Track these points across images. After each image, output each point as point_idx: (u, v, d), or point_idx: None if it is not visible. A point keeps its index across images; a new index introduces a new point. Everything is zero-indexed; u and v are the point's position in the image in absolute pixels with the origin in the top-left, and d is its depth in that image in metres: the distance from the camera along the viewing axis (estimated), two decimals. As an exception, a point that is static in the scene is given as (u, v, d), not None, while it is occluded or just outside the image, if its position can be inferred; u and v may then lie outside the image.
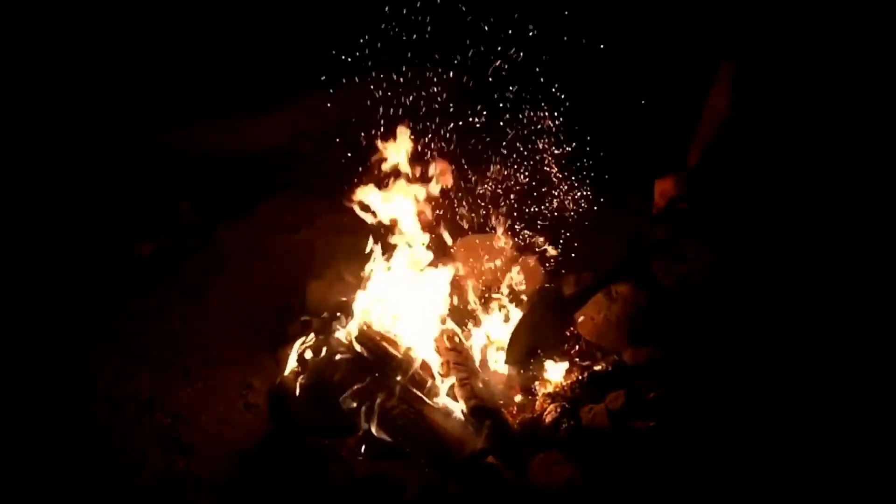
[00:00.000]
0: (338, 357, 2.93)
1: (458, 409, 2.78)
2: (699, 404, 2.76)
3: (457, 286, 3.64)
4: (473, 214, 4.00)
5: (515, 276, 3.55)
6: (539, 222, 4.04)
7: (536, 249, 3.76)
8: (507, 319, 3.39)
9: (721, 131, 2.80)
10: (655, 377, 2.92)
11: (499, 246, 3.73)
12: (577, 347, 3.30)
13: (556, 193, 4.17)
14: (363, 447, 2.69)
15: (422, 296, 3.25)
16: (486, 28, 4.51)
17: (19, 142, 4.84)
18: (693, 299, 3.34)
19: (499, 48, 4.45)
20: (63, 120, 5.16)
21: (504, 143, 4.35)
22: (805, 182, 3.24)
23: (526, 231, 3.92)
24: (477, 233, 3.92)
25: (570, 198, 4.15)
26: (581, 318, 3.35)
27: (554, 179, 4.24)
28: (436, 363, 2.98)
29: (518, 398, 3.01)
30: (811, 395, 2.77)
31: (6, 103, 5.05)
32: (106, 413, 2.87)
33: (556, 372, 3.12)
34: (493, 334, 3.35)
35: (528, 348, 3.07)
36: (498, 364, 3.17)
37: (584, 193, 4.18)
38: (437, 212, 3.58)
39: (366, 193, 3.32)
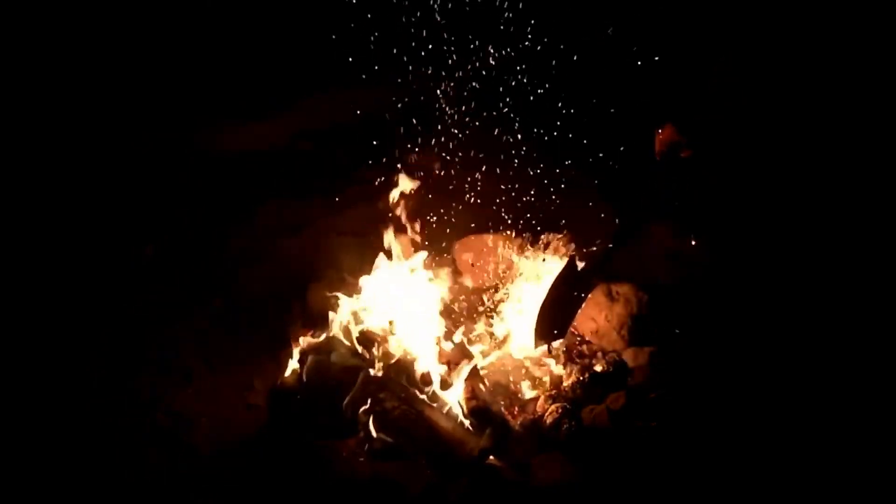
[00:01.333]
0: (339, 358, 2.93)
1: (459, 409, 2.78)
2: (700, 404, 2.76)
3: (458, 286, 3.65)
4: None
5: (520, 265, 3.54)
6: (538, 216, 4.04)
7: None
8: (505, 315, 3.40)
9: (728, 83, 2.79)
10: (656, 377, 2.92)
11: (499, 245, 3.73)
12: (578, 348, 3.31)
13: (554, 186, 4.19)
14: (364, 448, 2.69)
15: (422, 297, 3.25)
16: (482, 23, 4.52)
17: (22, 143, 4.84)
18: (694, 299, 3.34)
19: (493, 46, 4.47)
20: (65, 122, 5.16)
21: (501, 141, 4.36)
22: (804, 172, 3.25)
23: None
24: (478, 233, 3.92)
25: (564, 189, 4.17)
26: (582, 318, 3.35)
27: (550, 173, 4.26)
28: (437, 364, 2.98)
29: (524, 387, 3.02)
30: (811, 394, 2.77)
31: (9, 104, 5.05)
32: (107, 415, 2.87)
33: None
34: (495, 332, 3.36)
35: (554, 328, 3.06)
36: (508, 357, 3.19)
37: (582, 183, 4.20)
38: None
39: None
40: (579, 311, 3.16)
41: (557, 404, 2.85)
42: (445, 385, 2.86)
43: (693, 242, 3.55)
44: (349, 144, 5.15)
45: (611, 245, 2.99)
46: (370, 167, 4.73)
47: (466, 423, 2.73)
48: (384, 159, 4.05)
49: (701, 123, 2.79)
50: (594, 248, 3.36)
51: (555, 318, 3.02)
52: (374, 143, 4.47)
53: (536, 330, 3.01)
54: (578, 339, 3.36)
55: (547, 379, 3.10)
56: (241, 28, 6.23)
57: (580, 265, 3.04)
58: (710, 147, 2.83)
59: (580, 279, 3.03)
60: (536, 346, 3.08)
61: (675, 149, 2.76)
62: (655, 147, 2.81)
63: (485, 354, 3.22)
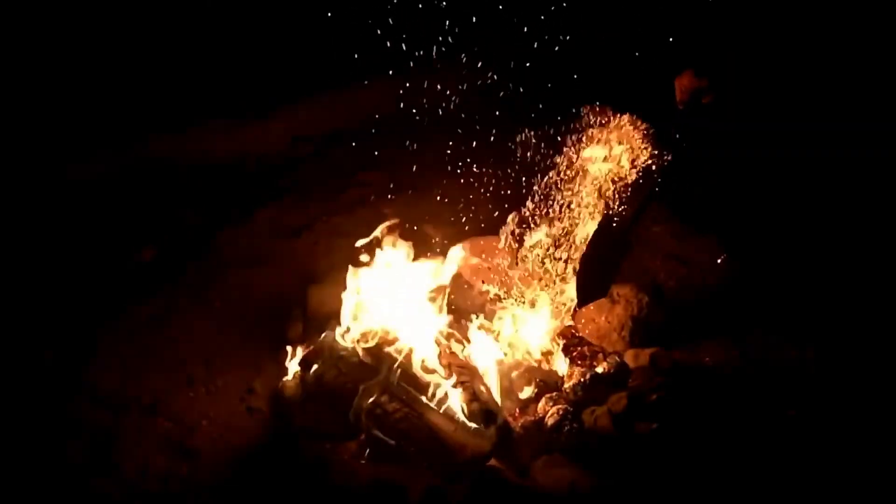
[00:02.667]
0: (339, 361, 2.93)
1: (460, 411, 2.78)
2: (701, 406, 2.76)
3: (460, 288, 3.64)
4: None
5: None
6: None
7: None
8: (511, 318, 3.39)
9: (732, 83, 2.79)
10: (658, 379, 2.92)
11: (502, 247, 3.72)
12: (579, 349, 3.30)
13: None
14: (366, 451, 2.69)
15: (423, 298, 3.25)
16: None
17: (21, 147, 4.84)
18: (695, 300, 3.33)
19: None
20: (64, 125, 5.17)
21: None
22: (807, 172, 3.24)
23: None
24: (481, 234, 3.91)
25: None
26: (583, 319, 3.35)
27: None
28: (438, 366, 2.97)
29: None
30: (813, 396, 2.77)
31: (7, 108, 5.05)
32: (108, 418, 2.87)
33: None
34: (498, 332, 3.35)
35: (596, 286, 3.05)
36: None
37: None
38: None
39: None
40: (615, 269, 3.16)
41: (558, 406, 2.85)
42: (447, 387, 2.86)
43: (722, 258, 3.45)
44: (349, 146, 5.16)
45: (643, 199, 2.96)
46: (370, 169, 4.75)
47: (468, 425, 2.73)
48: (384, 160, 4.06)
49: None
50: (627, 204, 3.29)
51: (596, 276, 3.01)
52: (375, 144, 4.48)
53: (578, 290, 3.00)
54: (579, 340, 3.35)
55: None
56: (241, 29, 6.23)
57: (615, 222, 3.01)
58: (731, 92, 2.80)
59: (617, 236, 3.01)
60: (581, 307, 3.07)
61: (696, 95, 2.75)
62: (676, 95, 2.80)
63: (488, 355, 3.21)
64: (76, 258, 3.92)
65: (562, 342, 3.26)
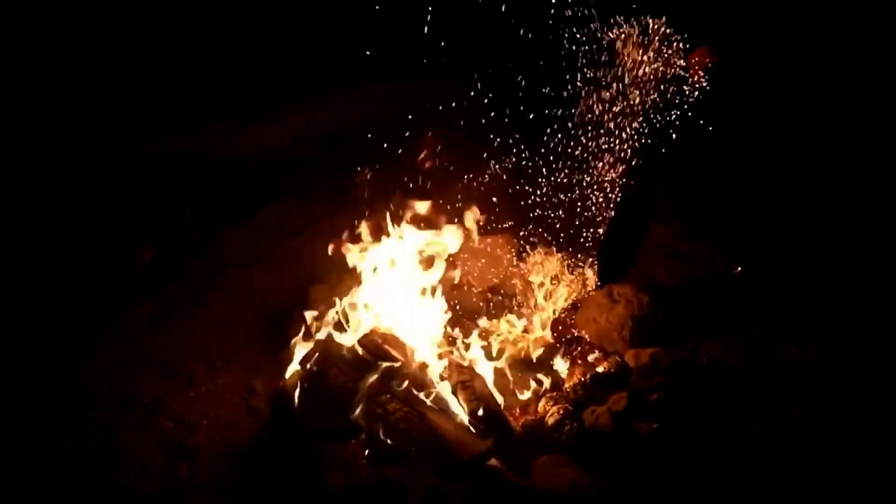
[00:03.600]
0: (340, 360, 2.93)
1: (461, 411, 2.77)
2: (702, 406, 2.75)
3: (461, 288, 3.64)
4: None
5: None
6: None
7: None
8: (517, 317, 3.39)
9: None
10: (658, 379, 2.92)
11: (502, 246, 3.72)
12: (579, 349, 3.30)
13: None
14: (366, 451, 2.69)
15: (424, 298, 3.25)
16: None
17: (21, 147, 4.84)
18: (695, 300, 3.33)
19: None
20: (65, 125, 5.16)
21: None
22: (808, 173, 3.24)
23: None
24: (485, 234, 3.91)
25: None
26: (583, 319, 3.35)
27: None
28: (438, 365, 2.97)
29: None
30: (814, 395, 2.76)
31: (8, 108, 5.05)
32: (109, 418, 2.87)
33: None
34: (500, 331, 3.35)
35: (619, 263, 3.02)
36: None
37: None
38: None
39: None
40: (638, 243, 3.13)
41: (559, 406, 2.85)
42: (447, 387, 2.86)
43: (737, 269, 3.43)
44: (349, 146, 5.15)
45: (667, 169, 2.94)
46: (372, 169, 4.74)
47: (468, 424, 2.73)
48: (385, 161, 4.05)
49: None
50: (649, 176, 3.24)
51: (619, 251, 2.97)
52: (376, 144, 4.46)
53: (601, 268, 2.96)
54: (579, 340, 3.35)
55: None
56: (242, 29, 6.23)
57: (638, 193, 2.98)
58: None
59: (641, 207, 2.98)
60: (603, 285, 3.04)
61: (711, 72, 2.74)
62: (692, 74, 2.80)
63: (488, 355, 3.21)
64: (76, 258, 3.92)
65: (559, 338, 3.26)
